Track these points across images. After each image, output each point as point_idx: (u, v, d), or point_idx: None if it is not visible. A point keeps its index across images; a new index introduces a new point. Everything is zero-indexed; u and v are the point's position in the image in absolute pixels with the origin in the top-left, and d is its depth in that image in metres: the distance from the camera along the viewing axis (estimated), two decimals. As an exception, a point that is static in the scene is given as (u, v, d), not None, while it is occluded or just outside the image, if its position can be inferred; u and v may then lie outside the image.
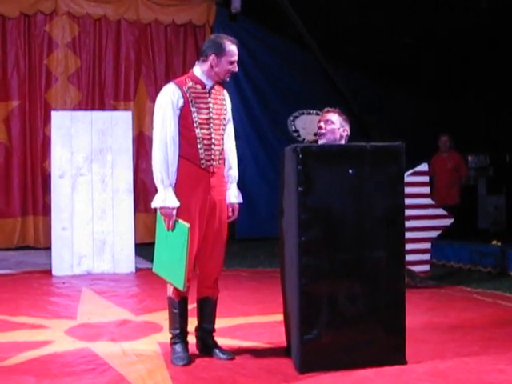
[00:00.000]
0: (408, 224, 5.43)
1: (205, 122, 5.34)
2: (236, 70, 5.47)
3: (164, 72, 13.43)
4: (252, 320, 6.80)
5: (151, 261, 10.30)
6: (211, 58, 5.33)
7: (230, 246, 12.42)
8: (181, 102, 5.27)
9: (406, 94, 14.54)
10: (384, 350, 5.18)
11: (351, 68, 13.99)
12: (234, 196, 5.64)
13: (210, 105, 5.39)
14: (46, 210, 11.88)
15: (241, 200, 5.69)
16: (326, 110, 5.97)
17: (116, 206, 9.65)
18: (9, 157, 12.60)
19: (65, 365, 5.37)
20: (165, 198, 5.16)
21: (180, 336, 5.48)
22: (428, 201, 8.57)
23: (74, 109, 12.36)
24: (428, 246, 8.61)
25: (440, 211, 8.69)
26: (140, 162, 12.97)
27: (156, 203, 5.19)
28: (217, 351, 5.54)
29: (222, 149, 5.48)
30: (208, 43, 5.44)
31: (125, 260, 9.86)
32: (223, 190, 5.52)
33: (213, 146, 5.37)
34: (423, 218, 8.41)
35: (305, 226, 5.01)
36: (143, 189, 12.97)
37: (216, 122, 5.42)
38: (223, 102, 5.54)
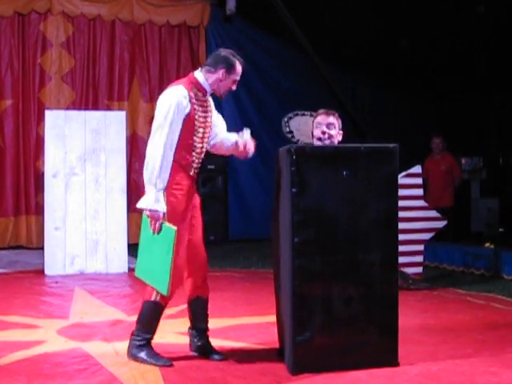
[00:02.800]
0: (401, 226, 5.42)
1: (201, 130, 5.37)
2: (233, 89, 5.52)
3: (158, 72, 13.43)
4: (245, 321, 6.80)
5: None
6: (221, 72, 5.36)
7: (222, 246, 12.52)
8: (188, 107, 5.25)
9: (400, 96, 14.55)
10: (377, 351, 5.19)
11: (345, 69, 14.00)
12: (233, 136, 5.74)
13: (207, 114, 5.43)
14: (39, 210, 11.87)
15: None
16: (322, 111, 5.92)
17: (109, 205, 9.64)
18: (2, 156, 12.57)
19: (57, 365, 5.36)
20: (155, 201, 5.13)
21: (150, 340, 5.45)
22: (421, 203, 8.58)
23: (67, 108, 12.33)
24: (421, 248, 8.62)
25: (433, 213, 8.70)
26: (133, 162, 12.96)
27: (145, 204, 5.15)
28: (211, 352, 5.54)
29: (204, 157, 5.55)
30: (220, 57, 5.43)
31: (118, 260, 9.85)
32: (197, 192, 5.58)
33: (201, 155, 5.46)
34: (416, 219, 8.42)
35: (298, 227, 5.01)
36: (136, 189, 12.93)
37: (207, 130, 5.47)
38: (211, 111, 5.55)
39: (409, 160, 7.96)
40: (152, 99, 13.32)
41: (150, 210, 5.14)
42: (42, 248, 10.02)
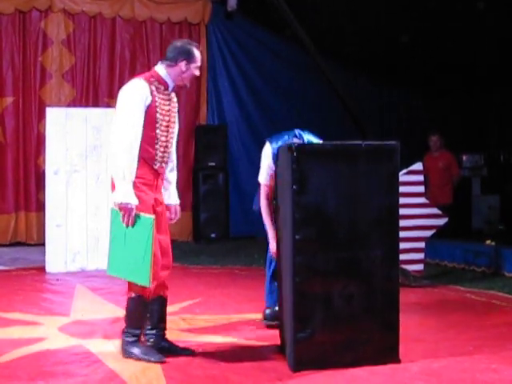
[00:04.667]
0: (402, 223, 5.43)
1: (164, 123, 5.40)
2: (197, 74, 5.60)
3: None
4: (246, 318, 6.79)
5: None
6: (182, 64, 5.43)
7: (223, 243, 12.52)
8: (149, 100, 5.28)
9: (401, 93, 14.55)
10: (378, 348, 5.19)
11: (346, 66, 13.99)
12: (174, 197, 5.77)
13: (170, 107, 5.48)
14: (40, 206, 11.87)
15: (179, 200, 5.81)
16: None
17: (110, 202, 9.61)
18: (3, 153, 12.55)
19: (58, 362, 5.37)
20: (126, 194, 5.13)
21: (139, 336, 5.45)
22: (422, 200, 8.58)
23: (68, 106, 12.32)
24: (422, 245, 8.62)
25: (434, 210, 8.71)
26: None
27: (118, 199, 5.14)
28: (177, 349, 5.56)
29: (170, 152, 5.57)
30: (178, 49, 5.48)
31: (119, 257, 9.85)
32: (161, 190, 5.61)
33: (166, 149, 5.46)
34: (417, 217, 8.42)
35: (299, 224, 5.02)
36: (137, 186, 12.95)
37: (172, 124, 5.51)
38: (176, 105, 5.62)
39: (410, 157, 7.97)
40: (153, 97, 13.31)
41: (121, 204, 5.13)
42: (43, 245, 10.03)
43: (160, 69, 5.47)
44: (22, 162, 12.56)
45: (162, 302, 5.58)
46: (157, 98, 5.32)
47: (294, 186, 5.01)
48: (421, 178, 8.58)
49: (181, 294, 7.95)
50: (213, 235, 12.74)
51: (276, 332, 5.86)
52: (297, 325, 5.07)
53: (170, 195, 5.73)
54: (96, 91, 13.07)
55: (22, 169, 12.56)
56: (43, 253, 9.82)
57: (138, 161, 5.25)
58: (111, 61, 13.23)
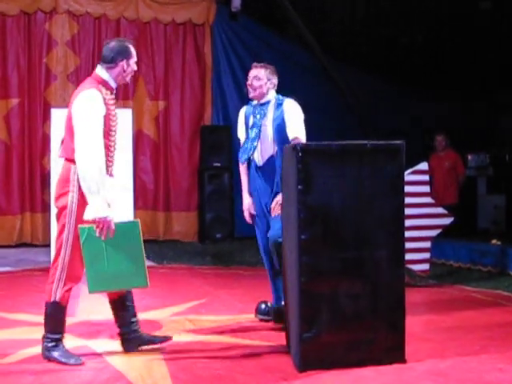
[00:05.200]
0: (408, 223, 5.41)
1: (113, 129, 5.38)
2: (136, 68, 5.70)
3: (163, 71, 13.40)
4: (251, 318, 6.77)
5: (150, 258, 10.29)
6: (122, 63, 5.46)
7: (229, 244, 12.50)
8: (104, 109, 5.26)
9: (406, 93, 14.52)
10: (384, 348, 5.18)
11: (352, 66, 13.98)
12: None
13: (116, 111, 5.47)
14: (45, 207, 11.88)
15: None
16: (253, 64, 6.65)
17: (116, 203, 9.62)
18: (8, 154, 12.58)
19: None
20: (102, 208, 5.08)
21: (60, 340, 5.42)
22: (428, 199, 8.57)
23: (73, 107, 12.34)
24: (428, 244, 8.61)
25: (440, 210, 8.70)
26: (139, 160, 12.96)
27: (93, 215, 5.08)
28: (154, 340, 5.69)
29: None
30: (114, 50, 5.47)
31: (124, 258, 9.84)
32: None
33: (114, 153, 5.45)
34: (423, 216, 8.41)
35: (305, 224, 5.01)
36: (142, 186, 12.96)
37: (116, 128, 5.46)
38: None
39: (415, 157, 7.95)
40: (157, 97, 13.33)
41: (99, 219, 5.08)
42: (48, 245, 10.02)
43: (102, 73, 5.44)
44: (28, 163, 12.58)
45: (123, 301, 5.60)
46: (109, 106, 5.32)
47: (300, 186, 5.00)
48: (426, 177, 8.57)
49: (186, 295, 7.96)
50: (218, 235, 12.74)
51: (281, 332, 5.85)
52: (302, 325, 5.06)
53: None
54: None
55: (28, 169, 12.58)
56: (49, 254, 9.82)
57: None
58: (116, 62, 13.23)
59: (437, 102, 14.43)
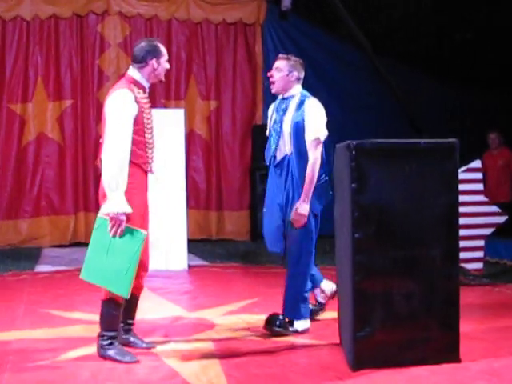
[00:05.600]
0: (461, 221, 5.38)
1: (149, 126, 5.54)
2: (168, 67, 5.71)
3: (215, 71, 13.46)
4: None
5: (203, 257, 10.36)
6: (152, 62, 5.54)
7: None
8: (135, 108, 5.37)
9: (460, 91, 14.39)
10: (438, 348, 5.16)
11: (403, 65, 13.90)
12: None
13: (150, 108, 5.60)
14: (98, 207, 11.93)
15: None
16: (278, 56, 6.30)
17: (169, 203, 9.71)
18: (62, 155, 12.74)
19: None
20: (120, 204, 5.18)
21: (115, 337, 5.51)
22: (481, 198, 8.50)
23: (125, 108, 12.45)
24: (481, 243, 8.54)
25: (493, 208, 8.62)
26: (191, 160, 13.04)
27: (111, 209, 5.20)
28: (139, 343, 5.73)
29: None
30: (144, 50, 5.57)
31: (177, 257, 9.92)
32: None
33: (154, 149, 5.64)
34: (477, 215, 8.35)
35: (358, 223, 5.01)
36: (194, 185, 13.04)
37: (152, 126, 5.62)
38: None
39: (468, 155, 7.89)
40: (209, 97, 13.40)
41: (114, 214, 5.19)
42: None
43: (134, 73, 5.56)
44: (81, 164, 12.74)
45: (132, 300, 5.65)
46: (142, 105, 5.43)
47: (353, 185, 5.00)
48: (480, 175, 8.51)
49: (239, 294, 7.99)
50: (270, 235, 12.73)
51: (335, 330, 5.85)
52: (356, 323, 5.06)
53: None
54: (153, 93, 13.14)
55: (81, 170, 12.74)
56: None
57: (131, 168, 5.35)
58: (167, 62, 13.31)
59: (489, 100, 14.29)
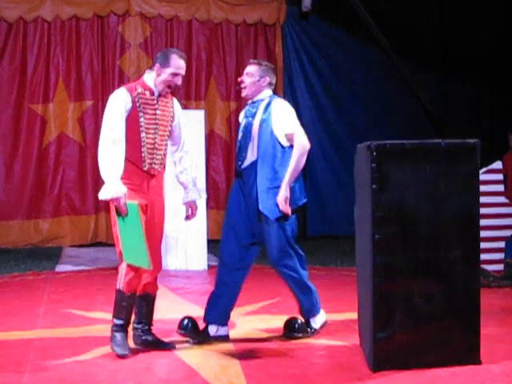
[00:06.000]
0: (482, 222, 5.36)
1: (150, 127, 5.61)
2: (178, 83, 5.75)
3: (235, 71, 13.46)
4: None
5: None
6: (157, 68, 5.66)
7: (300, 243, 12.44)
8: (129, 106, 5.54)
9: (480, 91, 14.34)
10: (458, 349, 5.14)
11: (424, 66, 13.85)
12: (188, 195, 6.02)
13: (157, 111, 5.67)
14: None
15: (203, 196, 6.14)
16: (249, 61, 6.20)
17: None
18: (83, 155, 12.80)
19: (139, 360, 5.45)
20: (115, 188, 5.34)
21: (122, 326, 5.63)
22: (502, 199, 8.47)
23: (145, 108, 12.50)
24: (502, 245, 8.51)
25: (514, 210, 8.60)
26: (211, 160, 13.07)
27: (105, 195, 5.37)
28: (158, 344, 5.76)
29: (165, 154, 5.76)
30: (158, 55, 5.79)
31: (197, 257, 9.94)
32: (161, 192, 5.82)
33: (156, 151, 5.65)
34: (497, 216, 8.33)
35: (379, 223, 5.00)
36: (214, 186, 13.07)
37: (161, 128, 5.69)
38: (171, 110, 5.81)
39: (489, 156, 7.87)
40: (229, 98, 13.42)
41: (112, 198, 5.35)
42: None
43: (145, 75, 5.76)
44: (102, 164, 12.79)
45: (147, 300, 5.79)
46: (139, 104, 5.56)
47: (374, 185, 4.99)
48: (500, 176, 8.49)
49: (259, 294, 7.99)
50: (290, 235, 12.71)
51: (355, 332, 5.85)
52: (376, 324, 5.05)
53: (186, 194, 6.04)
54: (173, 93, 13.17)
55: (102, 170, 12.79)
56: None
57: (126, 163, 5.50)
58: (188, 63, 13.21)
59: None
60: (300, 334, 6.05)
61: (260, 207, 5.83)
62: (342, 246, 11.26)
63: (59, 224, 12.75)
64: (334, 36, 13.89)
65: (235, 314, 6.85)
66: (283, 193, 5.76)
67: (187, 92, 13.31)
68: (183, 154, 5.99)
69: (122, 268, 5.60)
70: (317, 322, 6.15)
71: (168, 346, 5.76)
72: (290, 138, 5.88)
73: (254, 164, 5.92)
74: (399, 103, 13.84)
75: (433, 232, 5.07)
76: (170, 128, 5.78)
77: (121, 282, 5.59)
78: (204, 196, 6.09)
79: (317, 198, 13.34)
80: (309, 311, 6.15)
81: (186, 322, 6.02)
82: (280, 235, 5.97)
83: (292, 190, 5.86)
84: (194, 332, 5.97)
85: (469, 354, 5.16)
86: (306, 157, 5.92)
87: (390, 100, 13.79)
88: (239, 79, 6.16)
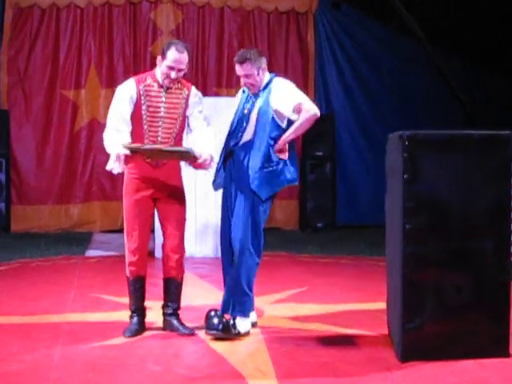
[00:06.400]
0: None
1: (154, 119, 5.70)
2: (171, 76, 5.67)
3: (267, 59, 13.42)
4: (353, 307, 6.79)
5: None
6: (158, 58, 5.75)
7: (329, 233, 12.50)
8: (134, 96, 5.68)
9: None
10: (487, 341, 5.12)
11: (457, 55, 13.74)
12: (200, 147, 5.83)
13: (164, 104, 5.73)
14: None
15: (211, 153, 5.83)
16: (235, 60, 6.02)
17: (217, 192, 9.71)
18: (114, 141, 12.89)
19: (167, 345, 5.49)
20: (112, 161, 5.62)
21: (135, 311, 5.89)
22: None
23: (176, 95, 12.53)
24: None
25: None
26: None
27: (109, 166, 5.72)
28: (180, 328, 5.83)
29: (172, 146, 5.75)
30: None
31: (226, 245, 9.95)
32: (174, 181, 5.88)
33: (159, 143, 5.70)
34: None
35: (410, 213, 4.98)
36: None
37: (167, 120, 5.74)
38: (182, 101, 5.80)
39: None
40: (260, 86, 13.40)
41: (112, 169, 5.68)
42: (153, 231, 10.19)
43: (157, 67, 5.79)
44: (132, 151, 12.85)
45: (171, 284, 5.97)
46: (143, 96, 5.68)
47: (405, 175, 4.97)
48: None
49: (287, 282, 8.00)
50: (319, 224, 12.73)
51: (383, 322, 5.84)
52: (406, 315, 5.04)
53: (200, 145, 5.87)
54: (205, 80, 13.22)
55: (132, 156, 12.85)
56: (152, 239, 9.99)
57: (132, 154, 5.63)
58: (219, 50, 13.35)
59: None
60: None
61: (252, 186, 5.80)
62: (371, 235, 11.23)
63: (89, 209, 12.84)
64: (366, 25, 13.81)
65: (263, 302, 6.88)
66: (279, 146, 5.85)
67: (218, 79, 13.31)
68: (200, 133, 5.94)
69: (126, 255, 5.93)
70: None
71: (188, 332, 5.78)
72: (298, 109, 5.86)
73: (246, 144, 5.92)
74: (431, 93, 13.75)
75: (464, 223, 5.05)
76: (180, 119, 5.79)
77: (126, 269, 5.93)
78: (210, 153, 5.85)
79: (346, 187, 13.32)
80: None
81: (215, 321, 5.71)
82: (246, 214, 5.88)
83: (281, 170, 5.88)
84: (224, 330, 5.71)
85: (497, 347, 5.13)
86: (312, 123, 5.99)
87: (421, 90, 13.70)
88: (243, 82, 6.04)
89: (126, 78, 12.62)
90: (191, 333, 5.78)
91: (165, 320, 5.92)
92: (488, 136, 5.16)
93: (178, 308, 5.95)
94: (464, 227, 5.05)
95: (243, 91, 6.20)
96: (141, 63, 13.01)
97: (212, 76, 13.28)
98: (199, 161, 5.70)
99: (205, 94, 12.85)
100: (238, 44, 13.34)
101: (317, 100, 13.44)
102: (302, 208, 13.10)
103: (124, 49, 12.98)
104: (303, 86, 13.37)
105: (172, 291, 5.93)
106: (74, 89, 12.78)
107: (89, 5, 12.70)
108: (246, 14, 13.41)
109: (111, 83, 12.81)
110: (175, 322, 5.87)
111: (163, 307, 5.95)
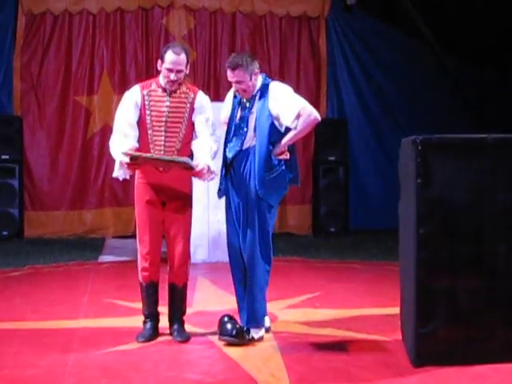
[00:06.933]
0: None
1: (158, 124, 5.68)
2: (171, 78, 5.65)
3: (278, 64, 13.46)
4: (367, 312, 6.77)
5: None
6: (158, 63, 5.75)
7: (342, 238, 12.48)
8: (139, 102, 5.71)
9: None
10: (501, 346, 5.10)
11: (468, 59, 13.72)
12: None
13: (167, 108, 5.70)
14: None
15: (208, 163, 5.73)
16: (227, 66, 5.90)
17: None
18: (128, 147, 12.91)
19: (181, 351, 5.50)
20: (117, 168, 5.73)
21: (148, 316, 5.90)
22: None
23: (189, 101, 12.55)
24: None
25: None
26: (254, 152, 13.09)
27: (114, 174, 5.82)
28: (174, 333, 5.84)
29: (178, 150, 5.73)
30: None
31: (239, 250, 9.94)
32: (181, 188, 5.88)
33: (164, 148, 5.69)
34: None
35: (423, 218, 4.97)
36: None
37: (171, 125, 5.71)
38: (186, 105, 5.76)
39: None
40: (272, 90, 13.40)
41: (118, 176, 5.79)
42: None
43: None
44: (144, 156, 12.87)
45: (173, 290, 6.06)
46: (147, 102, 5.69)
47: (419, 180, 4.96)
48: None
49: (301, 288, 8.00)
50: (332, 229, 12.72)
51: (397, 327, 5.82)
52: (419, 320, 5.03)
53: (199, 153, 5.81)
54: (217, 86, 13.24)
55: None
56: (165, 244, 9.99)
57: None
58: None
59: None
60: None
61: (259, 193, 5.79)
62: (384, 240, 11.20)
63: (102, 215, 12.87)
64: (379, 29, 13.81)
65: (277, 307, 6.87)
66: (279, 150, 5.82)
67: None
68: (200, 142, 5.84)
69: (138, 261, 5.97)
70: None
71: (180, 339, 5.75)
72: (298, 116, 5.77)
73: (247, 151, 5.88)
74: (444, 97, 13.74)
75: (478, 227, 5.03)
76: (186, 123, 5.73)
77: (139, 275, 5.98)
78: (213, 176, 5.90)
79: (359, 191, 13.32)
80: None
81: (229, 326, 5.72)
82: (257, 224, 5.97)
83: (284, 173, 5.89)
84: (237, 335, 5.71)
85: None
86: (312, 127, 5.96)
87: (435, 94, 13.69)
88: (236, 88, 5.92)
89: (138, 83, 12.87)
90: (184, 340, 5.75)
91: (169, 325, 5.94)
92: (501, 139, 5.14)
93: (182, 314, 5.97)
94: (478, 231, 5.04)
95: (234, 96, 6.09)
96: (153, 69, 12.99)
97: (224, 81, 13.22)
98: (195, 170, 5.65)
99: (217, 99, 12.92)
100: (249, 49, 13.35)
101: (329, 104, 13.47)
102: (314, 213, 13.09)
103: (136, 54, 13.01)
104: (315, 91, 13.41)
105: (175, 297, 5.97)
106: (86, 95, 12.82)
107: (101, 11, 12.74)
108: (258, 19, 13.43)
109: (124, 89, 12.69)
110: (175, 328, 5.88)
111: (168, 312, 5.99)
